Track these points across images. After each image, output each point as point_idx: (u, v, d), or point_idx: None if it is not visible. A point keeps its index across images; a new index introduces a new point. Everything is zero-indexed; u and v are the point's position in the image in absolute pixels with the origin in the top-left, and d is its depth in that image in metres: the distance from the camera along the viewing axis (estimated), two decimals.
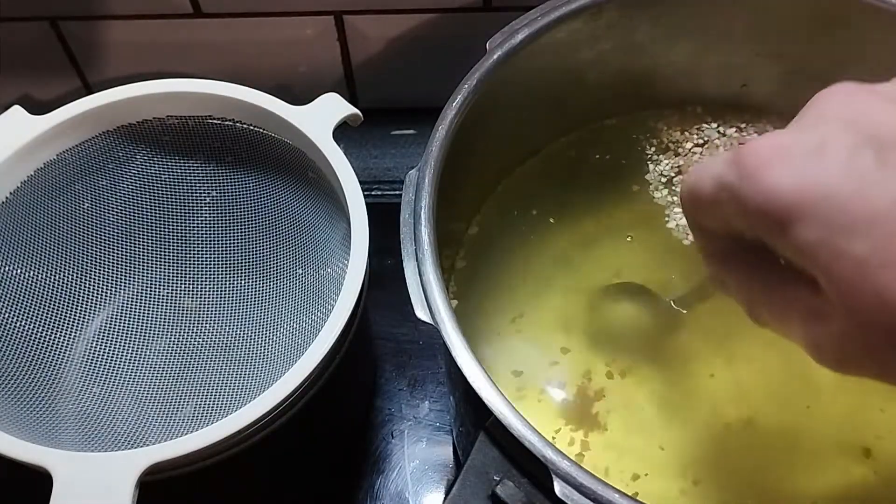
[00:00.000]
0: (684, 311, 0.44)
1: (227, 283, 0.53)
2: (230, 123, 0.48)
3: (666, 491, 0.41)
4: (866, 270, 0.23)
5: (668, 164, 0.51)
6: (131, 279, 0.53)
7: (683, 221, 0.48)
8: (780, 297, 0.28)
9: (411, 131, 0.66)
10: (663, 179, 0.50)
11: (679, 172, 0.50)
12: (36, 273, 0.49)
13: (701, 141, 0.51)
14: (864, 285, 0.23)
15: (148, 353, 0.51)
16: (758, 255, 0.28)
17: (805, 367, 0.43)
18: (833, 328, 0.25)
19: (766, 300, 0.28)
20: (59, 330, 0.50)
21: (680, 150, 0.51)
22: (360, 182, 0.44)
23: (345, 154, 0.45)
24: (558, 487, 0.30)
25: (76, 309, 0.51)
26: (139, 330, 0.52)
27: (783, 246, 0.25)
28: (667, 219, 0.49)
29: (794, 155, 0.24)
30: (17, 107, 0.46)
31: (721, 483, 0.41)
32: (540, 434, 0.31)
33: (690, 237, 0.48)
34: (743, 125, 0.52)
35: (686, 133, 0.52)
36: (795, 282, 0.27)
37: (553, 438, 0.42)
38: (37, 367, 0.48)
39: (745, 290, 0.29)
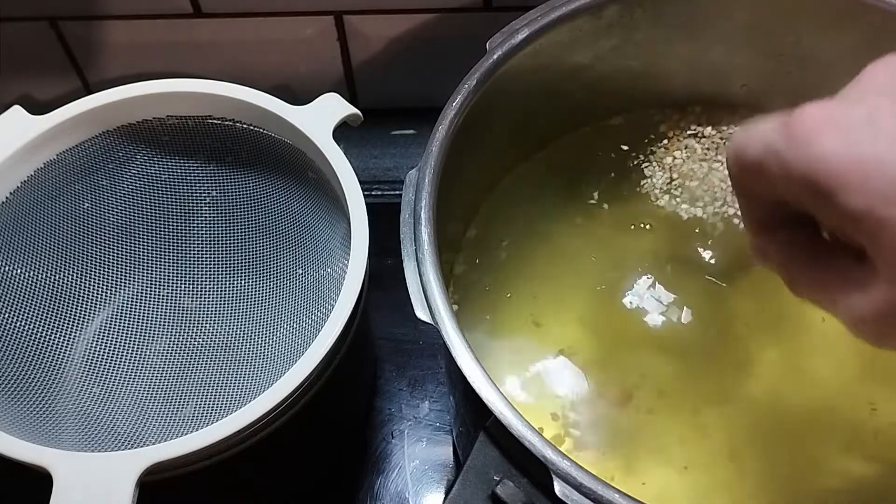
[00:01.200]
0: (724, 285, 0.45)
1: (227, 283, 0.53)
2: (230, 123, 0.48)
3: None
4: None
5: (669, 166, 0.50)
6: (131, 279, 0.53)
7: (691, 214, 0.48)
8: (822, 267, 0.28)
9: (411, 131, 0.66)
10: (666, 180, 0.50)
11: (680, 175, 0.50)
12: (36, 273, 0.49)
13: (700, 141, 0.51)
14: None
15: (148, 353, 0.51)
16: (801, 224, 0.28)
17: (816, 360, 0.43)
18: (876, 299, 0.25)
19: (807, 270, 0.28)
20: (59, 330, 0.50)
21: (680, 151, 0.51)
22: (360, 182, 0.44)
23: (345, 154, 0.45)
24: (558, 487, 0.30)
25: (76, 309, 0.51)
26: (139, 330, 0.52)
27: (828, 214, 0.25)
28: (676, 213, 0.49)
29: (843, 124, 0.25)
30: (17, 107, 0.46)
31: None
32: (540, 434, 0.31)
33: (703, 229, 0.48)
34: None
35: (685, 133, 0.52)
36: (838, 252, 0.27)
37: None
38: (37, 367, 0.48)
39: (787, 259, 0.29)
